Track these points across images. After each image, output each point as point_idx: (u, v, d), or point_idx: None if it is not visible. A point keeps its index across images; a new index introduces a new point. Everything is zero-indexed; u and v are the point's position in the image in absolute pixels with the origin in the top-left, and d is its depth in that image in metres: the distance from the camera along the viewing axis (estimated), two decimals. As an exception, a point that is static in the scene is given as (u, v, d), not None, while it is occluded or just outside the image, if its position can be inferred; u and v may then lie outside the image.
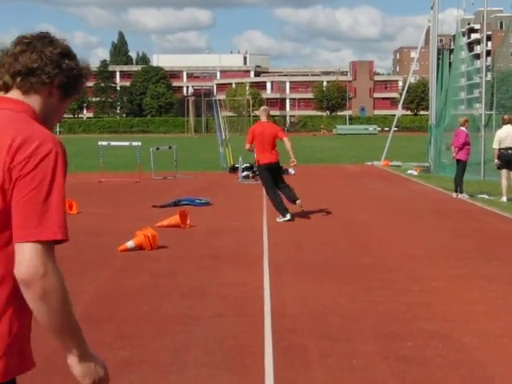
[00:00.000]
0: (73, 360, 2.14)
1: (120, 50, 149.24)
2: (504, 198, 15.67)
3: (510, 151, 15.92)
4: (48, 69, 2.16)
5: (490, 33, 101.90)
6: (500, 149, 15.98)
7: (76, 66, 2.25)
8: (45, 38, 2.21)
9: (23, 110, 2.14)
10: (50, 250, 2.00)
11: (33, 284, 1.97)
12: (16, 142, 2.00)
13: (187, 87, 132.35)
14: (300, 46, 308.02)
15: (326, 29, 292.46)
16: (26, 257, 1.96)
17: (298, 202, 12.73)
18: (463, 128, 16.36)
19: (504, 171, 16.02)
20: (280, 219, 12.49)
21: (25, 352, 2.16)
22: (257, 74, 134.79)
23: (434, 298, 7.05)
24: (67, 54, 2.24)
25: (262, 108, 13.65)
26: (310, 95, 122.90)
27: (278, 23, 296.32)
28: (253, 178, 20.97)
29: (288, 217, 12.47)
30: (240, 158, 21.46)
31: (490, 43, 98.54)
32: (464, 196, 16.30)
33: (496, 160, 16.26)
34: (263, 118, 13.14)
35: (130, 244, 9.67)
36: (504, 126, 16.29)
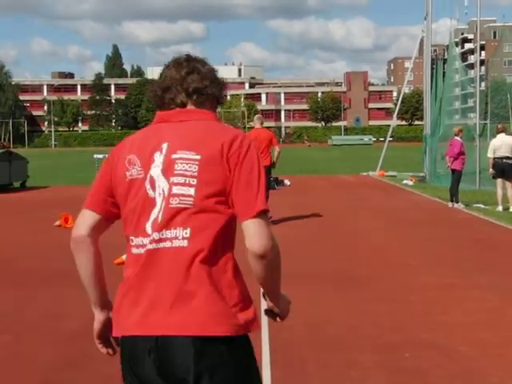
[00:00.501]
0: (277, 301, 2.72)
1: (115, 63, 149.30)
2: (500, 208, 15.70)
3: (504, 160, 15.93)
4: (214, 85, 2.62)
5: (483, 42, 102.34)
6: (494, 158, 16.01)
7: (222, 80, 2.71)
8: (196, 60, 2.65)
9: (212, 118, 2.61)
10: (266, 218, 2.41)
11: (266, 256, 2.40)
12: (228, 139, 2.47)
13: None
14: (293, 58, 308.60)
15: (320, 40, 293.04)
16: (253, 231, 2.36)
17: None
18: (458, 138, 16.40)
19: (499, 180, 16.04)
20: None
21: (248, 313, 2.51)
22: (251, 86, 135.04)
23: (430, 308, 7.04)
24: (215, 70, 2.69)
25: (256, 116, 14.26)
26: (304, 106, 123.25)
27: (271, 35, 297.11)
28: None
29: None
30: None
31: (483, 53, 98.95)
32: (460, 205, 16.33)
33: (491, 169, 16.30)
34: (257, 125, 13.69)
35: (127, 257, 9.64)
36: (498, 135, 16.30)
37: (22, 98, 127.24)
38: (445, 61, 30.52)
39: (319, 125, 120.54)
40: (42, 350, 5.80)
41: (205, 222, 2.38)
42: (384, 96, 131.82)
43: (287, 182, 23.98)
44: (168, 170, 2.42)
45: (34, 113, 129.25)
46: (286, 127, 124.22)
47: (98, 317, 2.67)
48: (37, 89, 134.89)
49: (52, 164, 46.86)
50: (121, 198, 2.51)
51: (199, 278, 2.35)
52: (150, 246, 2.42)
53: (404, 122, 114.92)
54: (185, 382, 2.29)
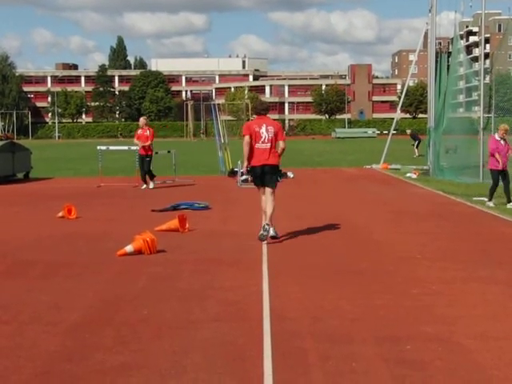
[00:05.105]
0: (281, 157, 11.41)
1: (119, 55, 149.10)
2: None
3: None
4: (267, 110, 11.34)
5: (488, 35, 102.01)
6: None
7: (269, 106, 12.16)
8: (264, 102, 11.79)
9: (268, 118, 11.20)
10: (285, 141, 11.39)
11: (285, 148, 11.08)
12: (278, 123, 11.42)
13: (186, 91, 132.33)
14: (296, 50, 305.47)
15: (322, 32, 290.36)
16: (283, 143, 11.03)
17: None
18: (496, 135, 16.06)
19: None
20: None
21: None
22: (255, 78, 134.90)
23: (433, 301, 7.04)
24: (268, 104, 12.34)
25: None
26: (308, 99, 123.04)
27: (273, 27, 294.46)
28: (251, 181, 20.95)
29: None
30: (239, 162, 21.42)
31: (488, 46, 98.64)
32: (489, 203, 15.83)
33: None
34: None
35: (129, 248, 9.66)
36: None
37: (25, 89, 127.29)
38: (449, 54, 30.39)
39: (323, 117, 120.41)
40: (44, 341, 5.81)
41: (273, 141, 10.78)
42: (388, 89, 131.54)
43: (290, 174, 23.97)
44: (267, 130, 10.75)
45: (38, 104, 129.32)
46: (289, 120, 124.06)
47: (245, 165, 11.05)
48: (41, 80, 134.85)
49: (55, 155, 46.89)
50: (253, 134, 10.72)
51: (272, 153, 10.78)
52: (262, 147, 10.71)
53: (408, 115, 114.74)
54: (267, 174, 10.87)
